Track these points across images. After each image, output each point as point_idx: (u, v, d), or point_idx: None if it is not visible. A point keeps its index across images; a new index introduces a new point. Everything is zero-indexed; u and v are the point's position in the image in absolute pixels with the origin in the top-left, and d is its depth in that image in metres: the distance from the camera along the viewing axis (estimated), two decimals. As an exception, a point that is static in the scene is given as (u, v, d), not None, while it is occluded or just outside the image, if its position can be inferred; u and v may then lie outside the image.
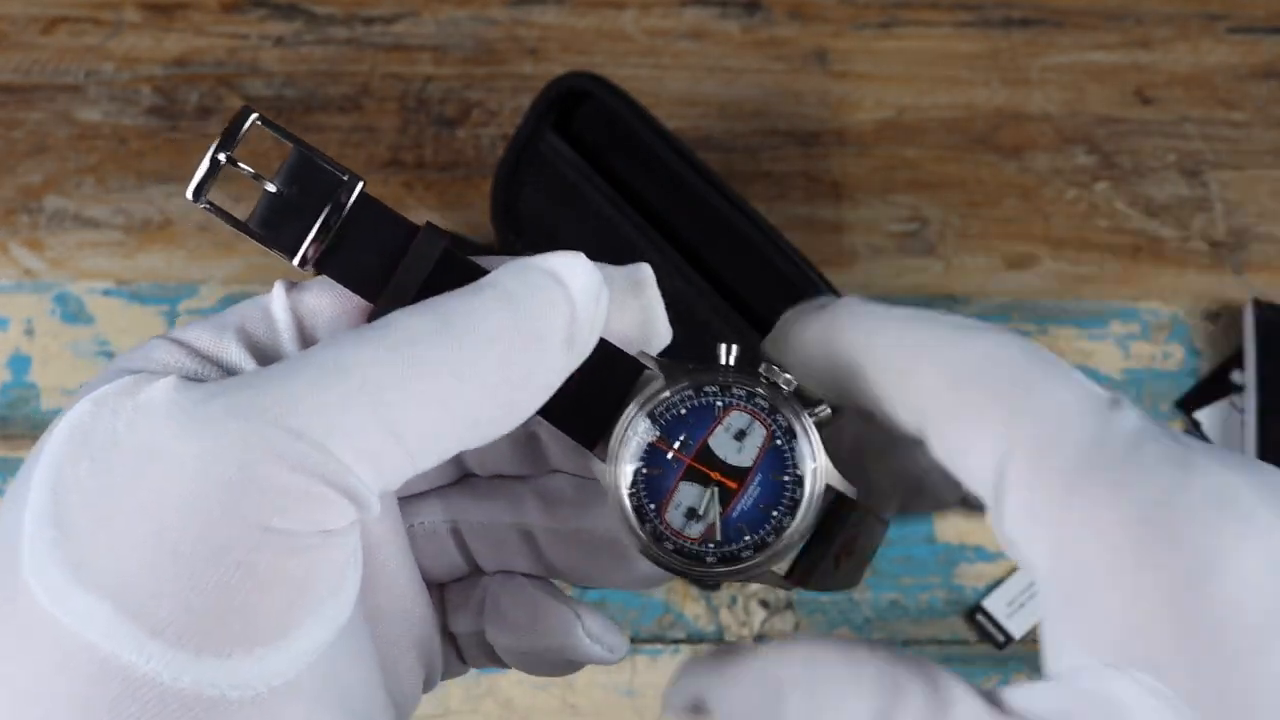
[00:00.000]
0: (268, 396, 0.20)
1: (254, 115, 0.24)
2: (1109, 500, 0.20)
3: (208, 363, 0.23)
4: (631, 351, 0.25)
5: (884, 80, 0.65)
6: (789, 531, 0.24)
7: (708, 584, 0.26)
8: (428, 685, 0.28)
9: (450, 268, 0.24)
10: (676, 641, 0.54)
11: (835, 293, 0.52)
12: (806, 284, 0.53)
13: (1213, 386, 0.59)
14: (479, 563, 0.28)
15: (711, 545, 0.24)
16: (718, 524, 0.24)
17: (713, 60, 0.65)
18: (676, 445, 0.24)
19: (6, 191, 0.61)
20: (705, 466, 0.24)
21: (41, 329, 0.59)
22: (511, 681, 0.54)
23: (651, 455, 0.24)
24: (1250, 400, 0.57)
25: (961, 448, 0.22)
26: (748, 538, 0.24)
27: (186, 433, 0.20)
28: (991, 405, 0.22)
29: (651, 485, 0.24)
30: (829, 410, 0.25)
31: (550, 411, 0.24)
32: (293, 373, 0.21)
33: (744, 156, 0.63)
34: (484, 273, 0.24)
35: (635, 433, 0.24)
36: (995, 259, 0.61)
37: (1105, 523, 0.20)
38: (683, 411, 0.24)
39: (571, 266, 0.23)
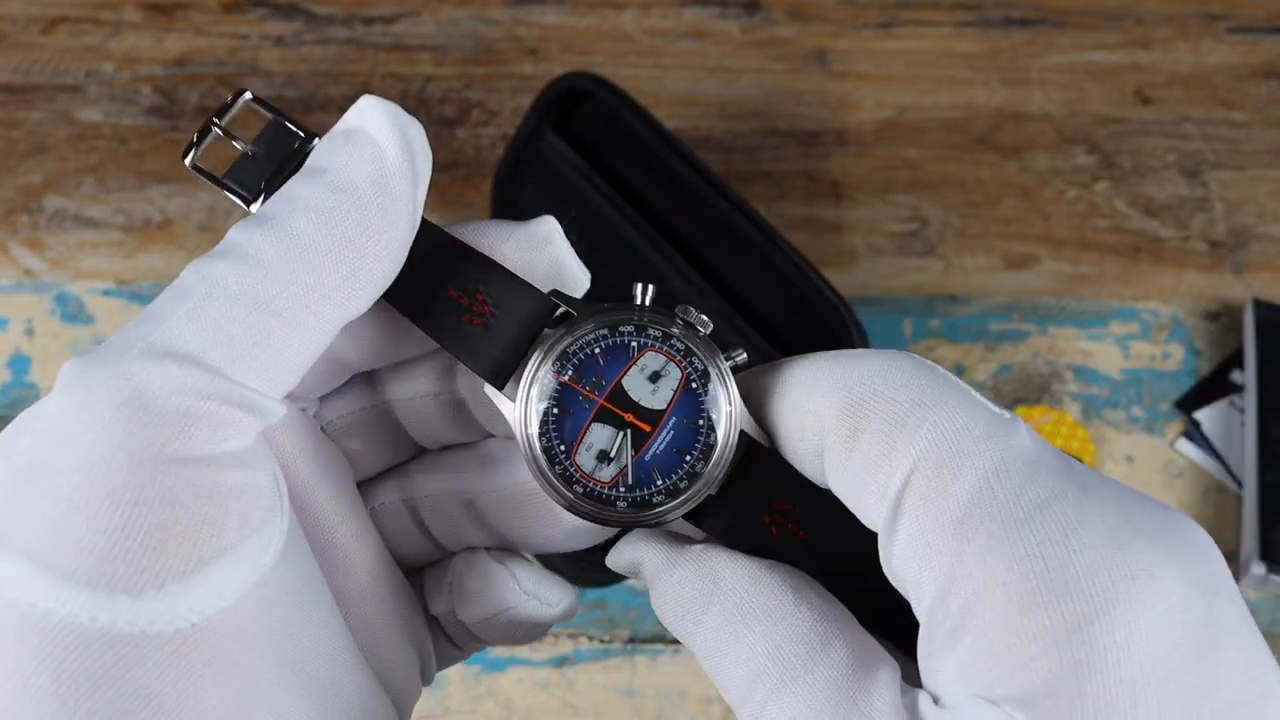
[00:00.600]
0: (131, 335, 0.21)
1: (247, 94, 0.26)
2: (1004, 536, 0.20)
3: None
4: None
5: (884, 80, 0.65)
6: (703, 478, 0.23)
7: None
8: (426, 673, 0.29)
9: None
10: (676, 641, 0.54)
11: (836, 293, 0.52)
12: (806, 284, 0.53)
13: (1212, 386, 0.59)
14: (440, 541, 0.28)
15: (623, 489, 0.24)
16: (629, 467, 0.24)
17: (713, 60, 0.65)
18: (588, 385, 0.24)
19: (7, 191, 0.61)
20: (617, 407, 0.24)
21: (41, 329, 0.59)
22: (511, 681, 0.54)
23: (562, 395, 0.24)
24: (1250, 400, 0.57)
25: (856, 476, 0.22)
26: (660, 482, 0.24)
27: (68, 394, 0.21)
28: (882, 433, 0.21)
29: (562, 426, 0.24)
30: (744, 355, 0.24)
31: (459, 348, 0.24)
32: (152, 310, 0.22)
33: (744, 156, 0.63)
34: None
35: (545, 371, 0.24)
36: (995, 259, 0.61)
37: (999, 559, 0.20)
38: (596, 351, 0.24)
39: (365, 113, 0.23)
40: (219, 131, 0.26)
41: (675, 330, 0.24)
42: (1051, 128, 0.64)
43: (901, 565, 0.21)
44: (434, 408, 0.26)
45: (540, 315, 0.24)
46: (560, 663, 0.54)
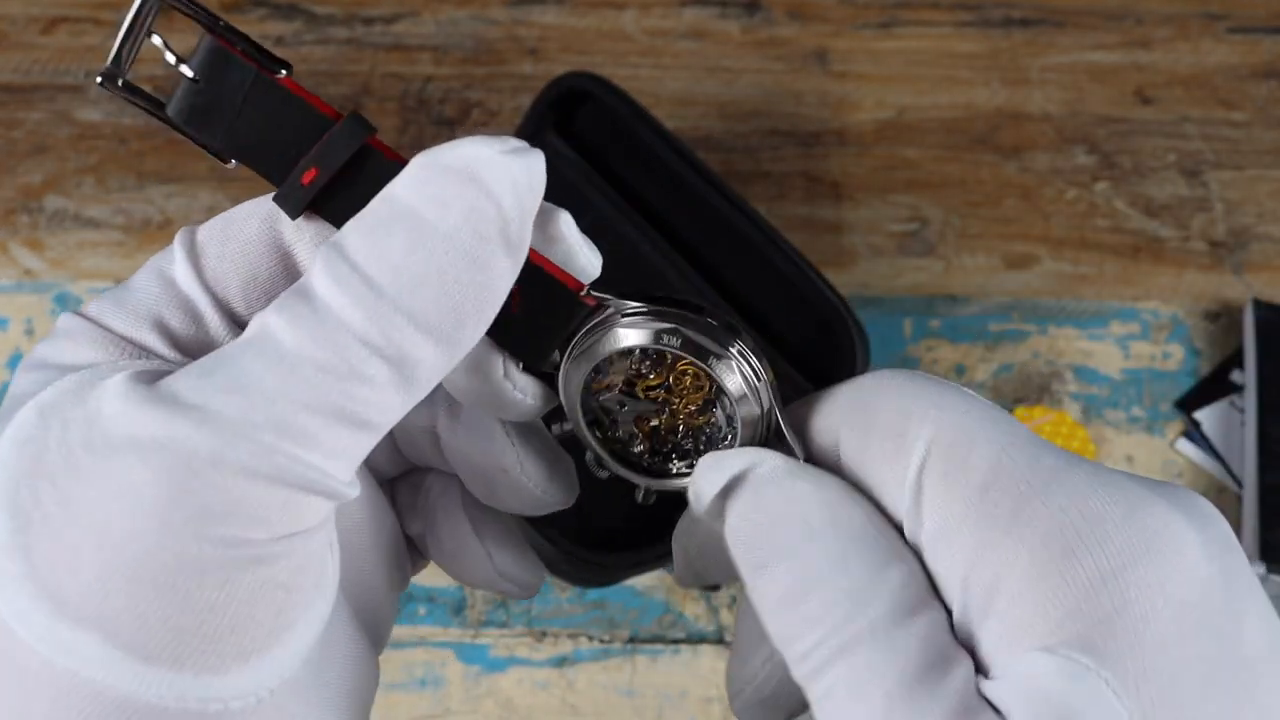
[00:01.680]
0: (227, 406, 0.20)
1: None
2: (1029, 498, 0.20)
3: (129, 345, 0.22)
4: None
5: (884, 80, 0.65)
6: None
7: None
8: (404, 585, 0.28)
9: (364, 163, 0.22)
10: (676, 641, 0.54)
11: (836, 293, 0.52)
12: (806, 284, 0.53)
13: (1212, 386, 0.59)
14: (407, 456, 0.27)
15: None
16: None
17: (712, 60, 0.65)
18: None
19: (7, 191, 0.61)
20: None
21: (42, 329, 0.59)
22: (511, 681, 0.54)
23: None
24: (1250, 400, 0.57)
25: (874, 472, 0.22)
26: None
27: (155, 459, 0.19)
28: (892, 426, 0.22)
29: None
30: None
31: (495, 333, 0.23)
32: (244, 375, 0.20)
33: (744, 156, 0.63)
34: (399, 168, 0.21)
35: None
36: (995, 259, 0.61)
37: (1026, 522, 0.20)
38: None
39: (486, 162, 0.21)
40: (152, 41, 0.22)
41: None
42: (1051, 128, 0.64)
43: (930, 544, 0.21)
44: None
45: (573, 311, 0.24)
46: (560, 663, 0.54)
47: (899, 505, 0.22)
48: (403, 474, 0.28)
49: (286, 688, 0.21)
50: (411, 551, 0.28)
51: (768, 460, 0.22)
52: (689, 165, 0.54)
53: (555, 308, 0.23)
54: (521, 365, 0.24)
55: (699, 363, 0.23)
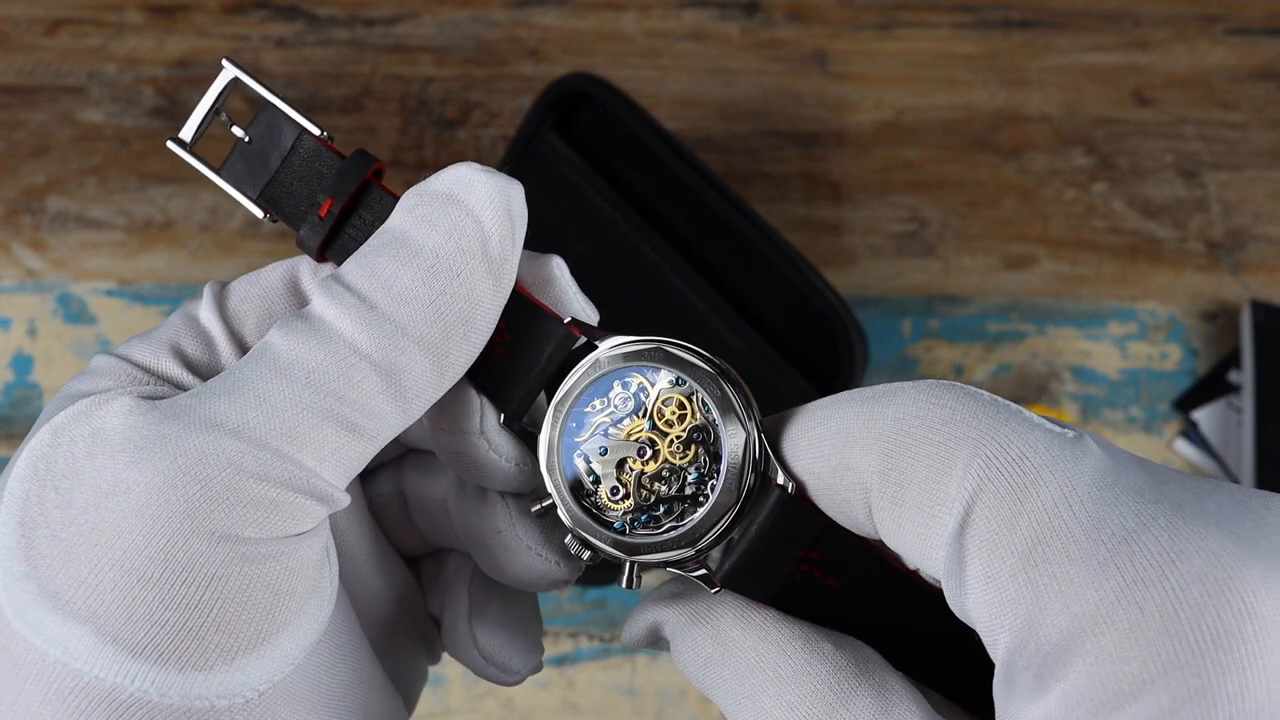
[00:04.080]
0: (219, 410, 0.20)
1: (231, 70, 0.25)
2: (1088, 578, 0.18)
3: (152, 377, 0.23)
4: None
5: (883, 81, 0.65)
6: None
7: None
8: (433, 654, 0.28)
9: (368, 199, 0.24)
10: (676, 640, 0.55)
11: (835, 293, 0.53)
12: (806, 284, 0.53)
13: (1210, 386, 0.59)
14: (428, 538, 0.28)
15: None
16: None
17: (712, 61, 0.65)
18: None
19: (9, 192, 0.61)
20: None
21: (44, 329, 0.59)
22: (512, 680, 0.54)
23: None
24: (1247, 400, 0.58)
25: (912, 531, 0.20)
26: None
27: (144, 456, 0.20)
28: (930, 480, 0.20)
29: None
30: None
31: (480, 379, 0.23)
32: (239, 383, 0.21)
33: (743, 157, 0.63)
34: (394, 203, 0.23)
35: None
36: (994, 259, 0.61)
37: (1085, 604, 0.18)
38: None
39: (466, 181, 0.22)
40: (219, 117, 0.25)
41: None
42: (1050, 129, 0.64)
43: (974, 613, 0.19)
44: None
45: (560, 345, 0.24)
46: (561, 662, 0.54)
47: (936, 567, 0.20)
48: (429, 554, 0.29)
49: (278, 693, 0.21)
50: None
51: (666, 619, 0.23)
52: (689, 166, 0.54)
53: (541, 339, 0.23)
54: (503, 418, 0.24)
55: (685, 377, 0.23)
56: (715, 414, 0.23)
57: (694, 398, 0.23)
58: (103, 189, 0.62)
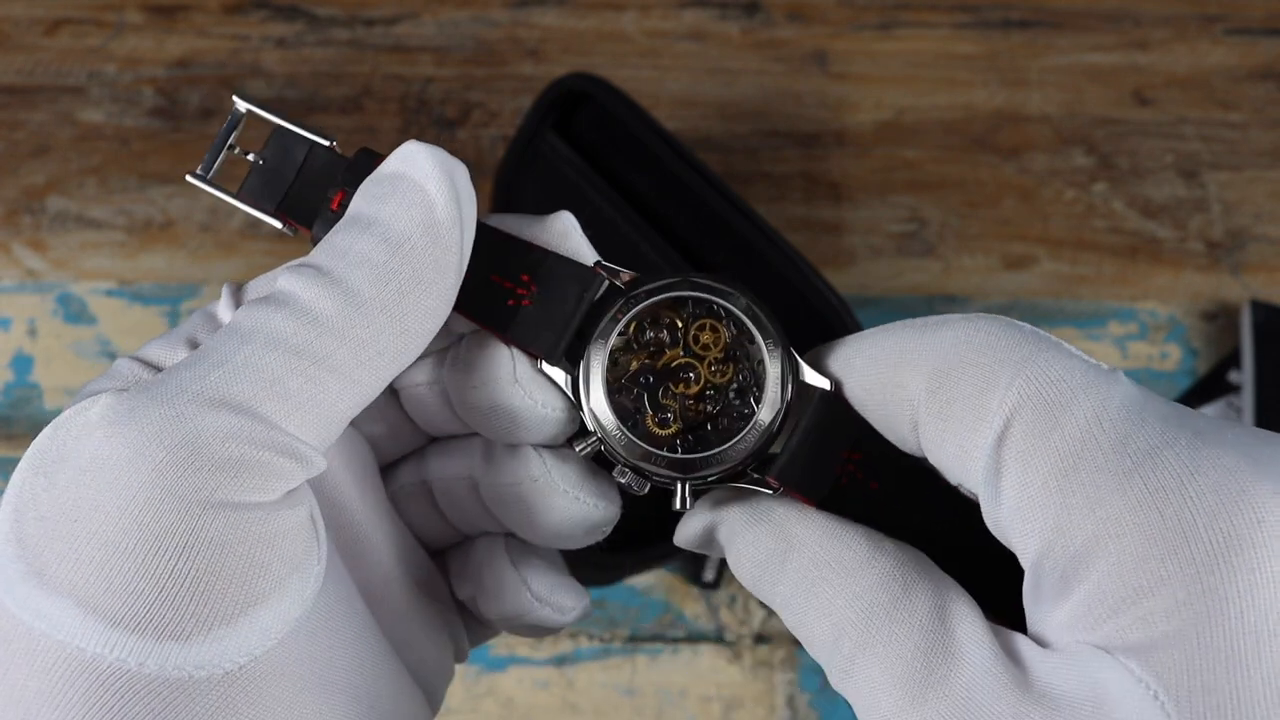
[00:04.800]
0: (186, 378, 0.21)
1: (240, 104, 0.26)
2: (1114, 486, 0.19)
3: (153, 370, 0.23)
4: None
5: (883, 81, 0.65)
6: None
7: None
8: (459, 654, 0.29)
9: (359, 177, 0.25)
10: (676, 640, 0.55)
11: (835, 293, 0.53)
12: (806, 284, 0.53)
13: (1210, 386, 0.59)
14: (455, 525, 0.29)
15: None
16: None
17: (712, 61, 0.65)
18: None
19: (9, 192, 0.61)
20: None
21: (44, 329, 0.59)
22: (512, 681, 0.54)
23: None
24: (1247, 400, 0.58)
25: (955, 444, 0.21)
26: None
27: (116, 431, 0.21)
28: (974, 396, 0.21)
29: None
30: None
31: (513, 331, 0.25)
32: (203, 353, 0.22)
33: (743, 157, 0.63)
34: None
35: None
36: (994, 259, 0.62)
37: (1110, 510, 0.19)
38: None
39: (409, 157, 0.23)
40: (230, 149, 0.26)
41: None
42: (1050, 129, 0.64)
43: (1007, 522, 0.21)
44: (429, 395, 0.27)
45: (589, 287, 0.25)
46: (560, 662, 0.54)
47: (975, 479, 0.21)
48: (454, 545, 0.29)
49: (262, 668, 0.21)
50: (468, 620, 0.29)
51: (724, 519, 0.24)
52: (689, 166, 0.54)
53: (568, 285, 0.25)
54: (542, 361, 0.25)
55: (716, 300, 0.24)
56: (750, 330, 0.24)
57: (725, 321, 0.25)
58: (103, 189, 0.62)
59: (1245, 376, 0.58)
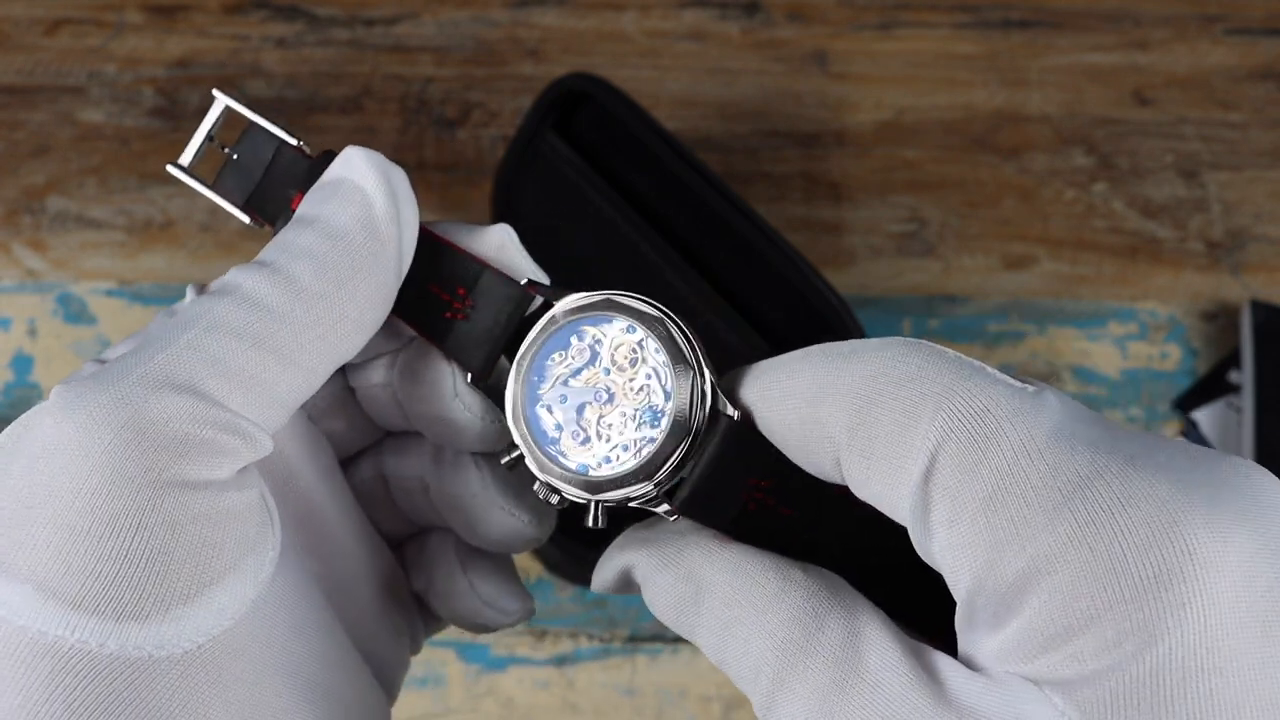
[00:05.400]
0: (131, 362, 0.22)
1: (222, 99, 0.28)
2: (1042, 522, 0.19)
3: None
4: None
5: (883, 81, 0.65)
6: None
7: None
8: (415, 644, 0.30)
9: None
10: (676, 640, 0.55)
11: (835, 293, 0.53)
12: (806, 284, 0.53)
13: (1210, 386, 0.59)
14: (409, 518, 0.29)
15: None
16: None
17: (712, 61, 0.65)
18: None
19: (9, 192, 0.61)
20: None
21: (44, 329, 0.59)
22: (511, 681, 0.54)
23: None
24: (1247, 400, 0.58)
25: (880, 482, 0.21)
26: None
27: (65, 417, 0.21)
28: (896, 433, 0.20)
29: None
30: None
31: (446, 345, 0.25)
32: (148, 338, 0.22)
33: (743, 157, 0.63)
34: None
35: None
36: (994, 259, 0.62)
37: (1039, 546, 0.19)
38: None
39: (348, 161, 0.24)
40: (210, 142, 0.28)
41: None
42: (1050, 129, 0.64)
43: (939, 555, 0.20)
44: (384, 396, 0.27)
45: (518, 306, 0.25)
46: (560, 662, 0.54)
47: (903, 514, 0.21)
48: (411, 536, 0.30)
49: (221, 647, 0.22)
50: (424, 612, 0.30)
51: (636, 563, 0.24)
52: (689, 166, 0.54)
53: (499, 302, 0.25)
54: (470, 378, 0.26)
55: (634, 324, 0.25)
56: (665, 356, 0.25)
57: (644, 343, 0.25)
58: (103, 189, 0.62)
59: (1245, 376, 0.58)
